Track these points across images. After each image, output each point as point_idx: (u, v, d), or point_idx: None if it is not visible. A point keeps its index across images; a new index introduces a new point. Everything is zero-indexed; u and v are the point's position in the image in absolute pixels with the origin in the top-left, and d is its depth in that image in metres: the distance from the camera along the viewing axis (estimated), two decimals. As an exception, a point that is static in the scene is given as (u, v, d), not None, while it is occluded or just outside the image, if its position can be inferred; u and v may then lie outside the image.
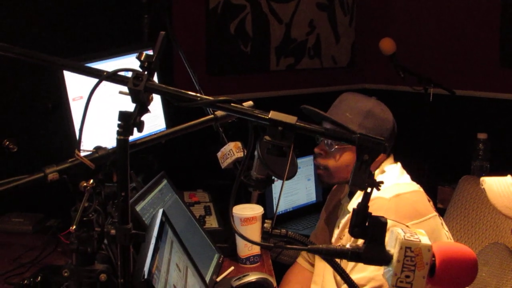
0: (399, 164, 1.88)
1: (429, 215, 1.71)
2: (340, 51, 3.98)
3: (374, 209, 1.03)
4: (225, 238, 2.03)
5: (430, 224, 1.70)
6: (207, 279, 1.73)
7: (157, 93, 1.05)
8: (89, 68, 1.11)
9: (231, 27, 3.38)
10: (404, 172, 1.86)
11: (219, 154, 1.83)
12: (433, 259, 0.98)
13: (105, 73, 1.07)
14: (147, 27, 2.38)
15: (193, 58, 2.46)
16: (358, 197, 1.67)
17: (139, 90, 1.02)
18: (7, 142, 1.58)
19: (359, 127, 1.78)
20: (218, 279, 1.82)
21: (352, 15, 4.00)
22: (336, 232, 1.88)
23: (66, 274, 1.08)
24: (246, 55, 3.48)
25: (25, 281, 1.58)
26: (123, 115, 1.01)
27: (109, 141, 1.08)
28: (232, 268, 1.91)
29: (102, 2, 2.72)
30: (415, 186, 1.80)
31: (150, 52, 1.05)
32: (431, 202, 1.81)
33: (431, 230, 1.70)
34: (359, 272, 1.60)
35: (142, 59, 1.05)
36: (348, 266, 1.65)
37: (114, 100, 1.70)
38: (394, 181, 1.78)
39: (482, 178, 1.61)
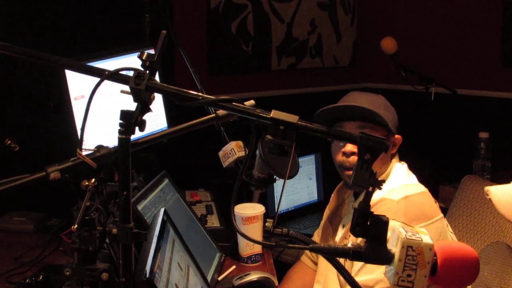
0: (405, 164, 1.87)
1: (437, 217, 1.71)
2: (342, 51, 3.98)
3: (383, 210, 1.03)
4: (226, 237, 2.03)
5: (437, 226, 1.69)
6: (209, 278, 1.73)
7: (158, 92, 1.05)
8: (91, 67, 1.11)
9: (232, 26, 3.38)
10: (410, 172, 1.86)
11: (220, 153, 1.83)
12: (435, 258, 0.98)
13: (106, 72, 1.07)
14: (148, 26, 2.38)
15: (195, 58, 2.46)
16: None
17: (141, 89, 1.02)
18: (9, 141, 1.57)
19: (387, 120, 1.77)
20: (219, 278, 1.82)
21: (353, 14, 4.00)
22: (341, 231, 1.87)
23: (67, 273, 1.08)
24: (248, 55, 3.48)
25: (27, 280, 1.58)
26: (124, 114, 1.01)
27: (111, 140, 1.08)
28: (234, 267, 1.91)
29: (103, 2, 2.72)
30: (422, 188, 1.79)
31: (152, 51, 1.06)
32: (437, 204, 1.81)
33: (438, 232, 1.69)
34: (367, 273, 1.60)
35: (143, 58, 1.05)
36: (355, 267, 1.64)
37: (116, 99, 1.71)
38: (401, 182, 1.77)
39: (486, 188, 1.59)
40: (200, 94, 1.08)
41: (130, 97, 1.04)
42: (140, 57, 1.05)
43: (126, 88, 1.04)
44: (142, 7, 2.41)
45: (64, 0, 2.59)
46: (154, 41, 1.08)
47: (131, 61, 1.95)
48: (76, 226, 1.05)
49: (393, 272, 0.98)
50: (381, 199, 1.65)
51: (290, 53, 3.70)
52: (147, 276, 1.17)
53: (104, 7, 2.71)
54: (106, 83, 1.07)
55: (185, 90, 1.08)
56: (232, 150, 1.81)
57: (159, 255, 1.30)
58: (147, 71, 1.04)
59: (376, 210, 1.00)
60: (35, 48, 1.09)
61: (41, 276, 1.59)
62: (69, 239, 1.11)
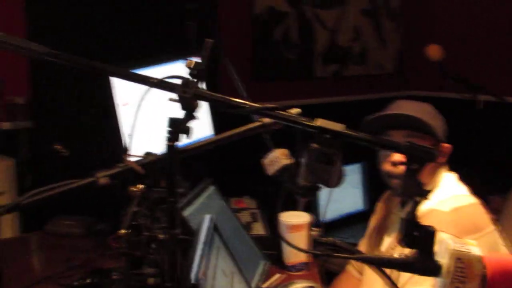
0: (454, 174, 1.83)
1: (488, 230, 1.66)
2: (386, 58, 3.94)
3: (433, 222, 1.00)
4: (271, 245, 2.02)
5: (488, 239, 1.64)
6: (253, 286, 1.73)
7: (205, 100, 1.07)
8: (139, 75, 1.13)
9: (275, 33, 3.39)
10: (461, 182, 1.81)
11: (265, 161, 1.83)
12: (485, 270, 0.95)
13: (154, 80, 1.09)
14: (193, 33, 2.41)
15: (238, 63, 2.47)
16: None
17: (188, 97, 1.04)
18: (59, 147, 1.62)
19: (436, 128, 1.74)
20: (264, 286, 1.82)
21: (398, 21, 3.95)
22: (388, 241, 1.84)
23: (115, 277, 1.10)
24: (291, 62, 3.48)
25: (75, 283, 1.62)
26: (172, 122, 1.03)
27: (158, 147, 1.10)
28: (279, 275, 1.90)
29: (149, 10, 2.77)
30: (473, 199, 1.74)
31: (197, 59, 1.07)
32: (489, 215, 1.76)
33: (490, 245, 1.64)
34: (415, 286, 1.56)
35: (190, 66, 1.06)
36: (402, 279, 1.61)
37: (162, 106, 1.73)
38: (452, 193, 1.73)
39: None
40: (246, 102, 1.09)
41: (176, 104, 1.05)
42: (187, 65, 1.07)
43: (173, 95, 1.06)
44: (187, 14, 2.44)
45: (109, 9, 2.65)
46: (199, 49, 1.10)
47: (177, 68, 1.97)
48: (124, 231, 1.07)
49: (441, 284, 0.96)
50: (431, 210, 1.62)
51: (334, 60, 3.68)
52: (193, 282, 1.18)
53: (150, 15, 2.76)
54: (152, 90, 1.09)
55: (231, 98, 1.09)
56: (278, 158, 1.80)
57: (204, 262, 1.31)
58: (195, 79, 1.05)
59: (426, 221, 0.98)
60: (82, 56, 1.12)
61: (89, 279, 1.62)
62: (117, 243, 1.13)
